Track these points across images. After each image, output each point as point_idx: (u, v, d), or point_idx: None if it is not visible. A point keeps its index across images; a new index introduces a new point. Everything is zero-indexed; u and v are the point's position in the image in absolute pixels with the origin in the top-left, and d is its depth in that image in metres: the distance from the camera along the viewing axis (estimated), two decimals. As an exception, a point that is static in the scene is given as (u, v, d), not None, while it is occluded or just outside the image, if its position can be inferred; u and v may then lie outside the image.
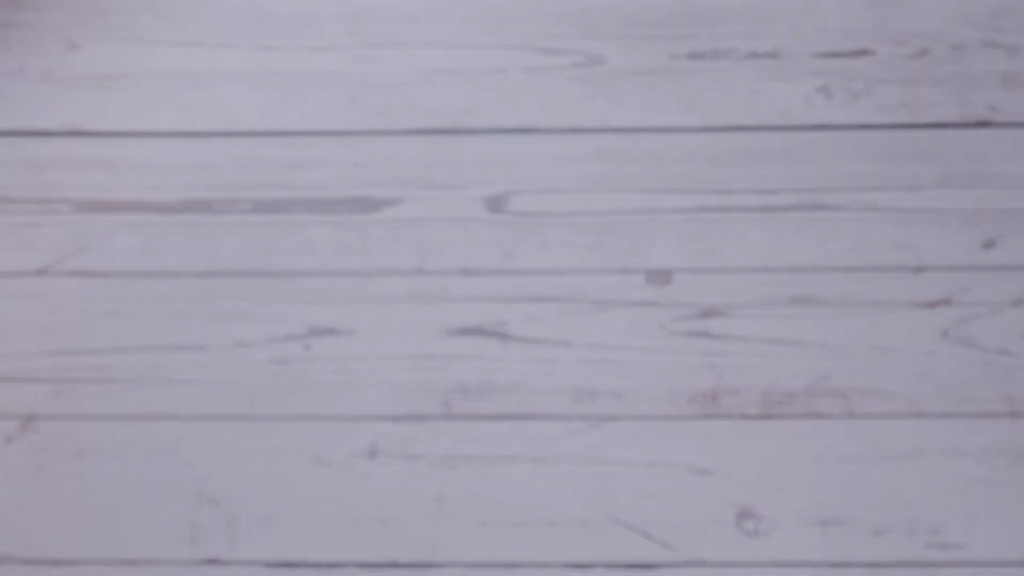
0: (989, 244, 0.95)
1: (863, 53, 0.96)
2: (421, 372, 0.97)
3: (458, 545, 0.95)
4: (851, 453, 0.93)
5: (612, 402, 0.94)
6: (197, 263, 0.98)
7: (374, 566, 0.95)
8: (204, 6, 1.00)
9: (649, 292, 0.96)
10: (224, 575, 0.96)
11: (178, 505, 0.96)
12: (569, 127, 0.98)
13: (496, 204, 0.97)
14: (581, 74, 0.99)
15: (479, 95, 0.98)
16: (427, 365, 0.97)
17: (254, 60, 0.99)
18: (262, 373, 0.97)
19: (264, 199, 0.98)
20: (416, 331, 0.97)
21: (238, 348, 0.97)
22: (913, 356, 0.94)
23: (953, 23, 0.97)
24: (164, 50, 1.00)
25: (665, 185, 0.97)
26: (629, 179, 0.97)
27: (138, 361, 0.98)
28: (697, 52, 0.98)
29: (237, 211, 0.98)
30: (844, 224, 0.95)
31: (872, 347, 0.95)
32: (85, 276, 0.99)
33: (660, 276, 0.96)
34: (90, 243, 0.99)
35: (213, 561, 0.96)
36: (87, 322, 0.98)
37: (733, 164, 0.97)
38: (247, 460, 0.96)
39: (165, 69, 0.99)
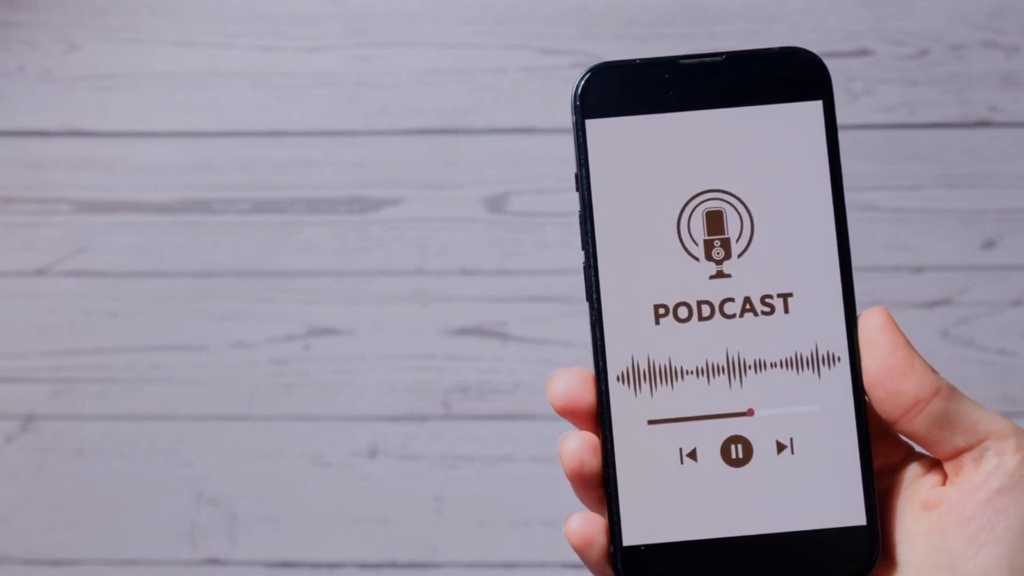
0: (989, 244, 0.95)
1: (863, 53, 0.96)
2: (421, 372, 0.97)
3: (458, 545, 0.95)
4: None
5: (612, 402, 0.94)
6: (196, 263, 0.98)
7: (374, 566, 0.95)
8: (204, 6, 1.00)
9: (649, 292, 0.96)
10: (224, 575, 0.96)
11: (178, 505, 0.96)
12: (568, 127, 0.98)
13: (496, 204, 0.97)
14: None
15: (478, 95, 0.98)
16: (427, 365, 0.97)
17: (253, 60, 0.99)
18: (262, 373, 0.97)
19: (264, 199, 0.98)
20: (416, 331, 0.97)
21: (237, 348, 0.97)
22: (913, 356, 0.94)
23: (953, 23, 0.97)
24: (164, 50, 1.00)
25: (665, 185, 0.97)
26: (629, 179, 0.97)
27: (138, 361, 0.98)
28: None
29: (236, 211, 0.98)
30: (844, 224, 0.95)
31: (872, 347, 0.95)
32: (84, 276, 0.99)
33: (660, 276, 0.96)
34: (89, 243, 0.99)
35: (213, 561, 0.96)
36: (87, 322, 0.98)
37: (733, 164, 0.97)
38: (247, 460, 0.96)
39: (165, 69, 0.99)
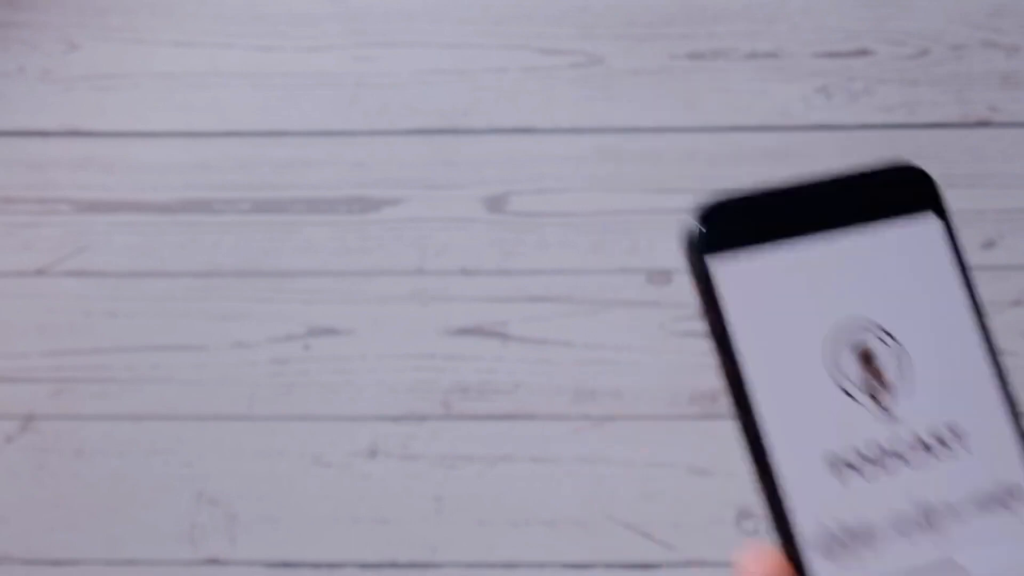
0: (989, 244, 0.95)
1: (863, 53, 0.96)
2: (421, 372, 0.97)
3: (457, 545, 0.95)
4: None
5: (612, 402, 0.95)
6: (196, 263, 0.98)
7: (374, 566, 0.95)
8: (204, 6, 1.00)
9: (649, 292, 0.96)
10: (224, 575, 0.96)
11: (178, 505, 0.96)
12: (569, 127, 0.98)
13: (496, 204, 0.97)
14: (581, 74, 0.99)
15: (478, 95, 0.98)
16: (427, 365, 0.97)
17: (253, 60, 0.99)
18: (261, 373, 0.97)
19: (263, 199, 0.98)
20: (416, 331, 0.97)
21: (237, 348, 0.97)
22: (913, 356, 0.94)
23: (953, 23, 0.97)
24: (164, 50, 1.00)
25: (665, 185, 0.97)
26: (629, 179, 0.97)
27: (138, 361, 0.98)
28: (697, 52, 0.98)
29: (236, 211, 0.98)
30: (844, 224, 0.95)
31: (872, 347, 0.95)
32: (84, 276, 0.99)
33: (660, 276, 0.96)
34: (89, 243, 0.99)
35: (213, 561, 0.96)
36: (86, 322, 0.98)
37: (733, 164, 0.97)
38: (247, 460, 0.96)
39: (165, 69, 0.99)
